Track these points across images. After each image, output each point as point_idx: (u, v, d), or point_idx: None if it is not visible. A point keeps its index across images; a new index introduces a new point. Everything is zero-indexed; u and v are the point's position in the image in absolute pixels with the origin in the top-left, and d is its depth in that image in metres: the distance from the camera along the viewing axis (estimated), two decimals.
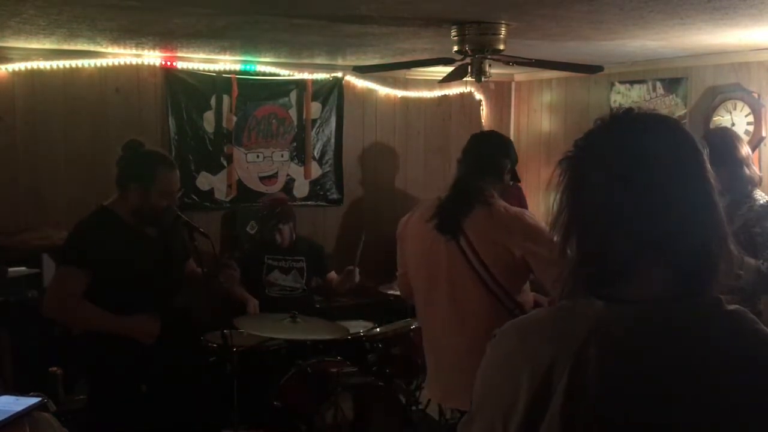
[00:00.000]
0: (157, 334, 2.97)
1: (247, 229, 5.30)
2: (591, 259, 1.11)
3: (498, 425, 1.12)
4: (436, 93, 6.00)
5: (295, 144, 5.52)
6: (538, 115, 6.21)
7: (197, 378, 3.61)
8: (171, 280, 3.12)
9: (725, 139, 3.18)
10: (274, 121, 5.42)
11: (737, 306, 1.09)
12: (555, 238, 1.16)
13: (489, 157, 2.80)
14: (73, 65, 4.68)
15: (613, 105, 5.38)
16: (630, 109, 1.17)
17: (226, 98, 5.19)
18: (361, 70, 4.60)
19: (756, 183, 3.19)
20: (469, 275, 2.67)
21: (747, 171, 3.13)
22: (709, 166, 1.12)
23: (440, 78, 4.27)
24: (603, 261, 1.10)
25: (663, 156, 1.09)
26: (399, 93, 5.87)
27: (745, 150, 3.18)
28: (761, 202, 3.10)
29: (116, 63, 4.78)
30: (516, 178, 2.92)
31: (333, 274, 4.81)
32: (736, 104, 4.55)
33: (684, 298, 1.07)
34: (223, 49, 4.64)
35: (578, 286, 1.12)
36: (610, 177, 1.09)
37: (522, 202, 5.27)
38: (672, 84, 5.01)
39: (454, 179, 2.82)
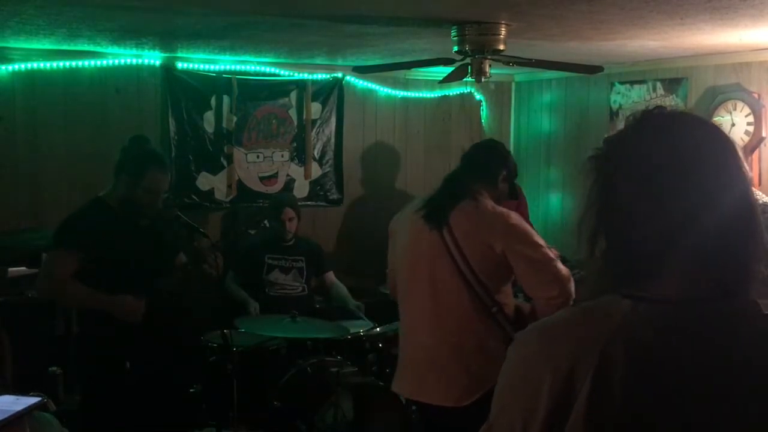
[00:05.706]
0: (142, 315, 3.11)
1: (248, 229, 5.30)
2: (618, 258, 1.09)
3: (517, 431, 1.07)
4: (436, 93, 5.99)
5: (295, 144, 5.51)
6: (538, 115, 6.20)
7: (184, 361, 3.68)
8: (158, 264, 3.27)
9: None
10: (274, 121, 5.42)
11: None
12: (582, 237, 1.12)
13: (483, 160, 2.87)
14: (73, 65, 4.67)
15: (613, 105, 5.39)
16: (662, 108, 1.13)
17: (226, 98, 5.18)
18: (361, 70, 4.60)
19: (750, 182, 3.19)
20: (449, 267, 2.67)
21: None
22: (745, 165, 1.09)
23: (440, 78, 4.26)
24: (630, 260, 1.07)
25: (693, 156, 1.06)
26: (399, 93, 5.87)
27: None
28: (759, 201, 3.10)
29: (116, 63, 4.78)
30: (513, 194, 2.93)
31: (331, 276, 4.80)
32: (736, 104, 4.54)
33: (714, 300, 1.04)
34: (223, 49, 4.64)
35: (605, 285, 1.09)
36: (637, 176, 1.07)
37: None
38: (672, 84, 5.00)
39: (446, 176, 2.92)
